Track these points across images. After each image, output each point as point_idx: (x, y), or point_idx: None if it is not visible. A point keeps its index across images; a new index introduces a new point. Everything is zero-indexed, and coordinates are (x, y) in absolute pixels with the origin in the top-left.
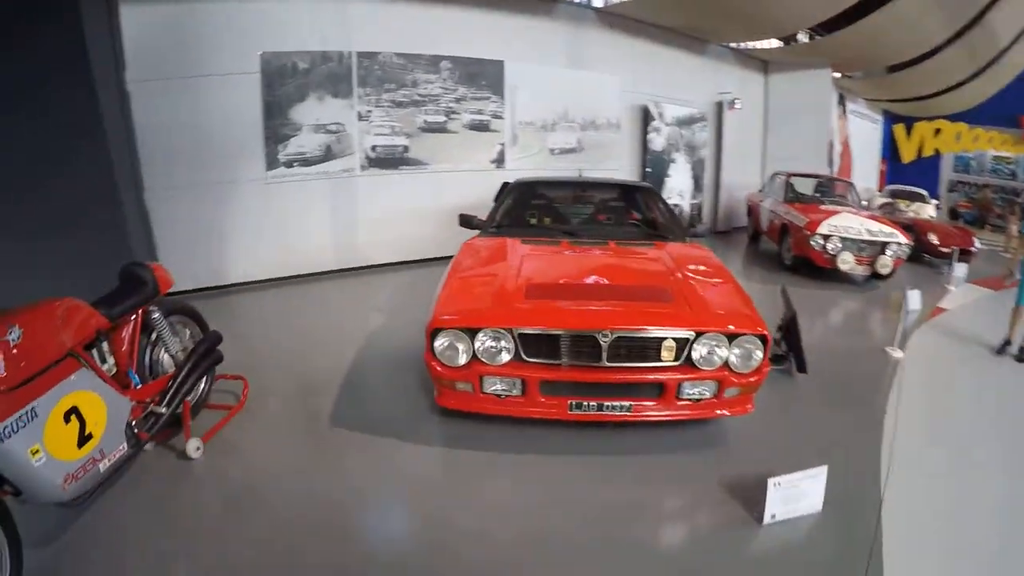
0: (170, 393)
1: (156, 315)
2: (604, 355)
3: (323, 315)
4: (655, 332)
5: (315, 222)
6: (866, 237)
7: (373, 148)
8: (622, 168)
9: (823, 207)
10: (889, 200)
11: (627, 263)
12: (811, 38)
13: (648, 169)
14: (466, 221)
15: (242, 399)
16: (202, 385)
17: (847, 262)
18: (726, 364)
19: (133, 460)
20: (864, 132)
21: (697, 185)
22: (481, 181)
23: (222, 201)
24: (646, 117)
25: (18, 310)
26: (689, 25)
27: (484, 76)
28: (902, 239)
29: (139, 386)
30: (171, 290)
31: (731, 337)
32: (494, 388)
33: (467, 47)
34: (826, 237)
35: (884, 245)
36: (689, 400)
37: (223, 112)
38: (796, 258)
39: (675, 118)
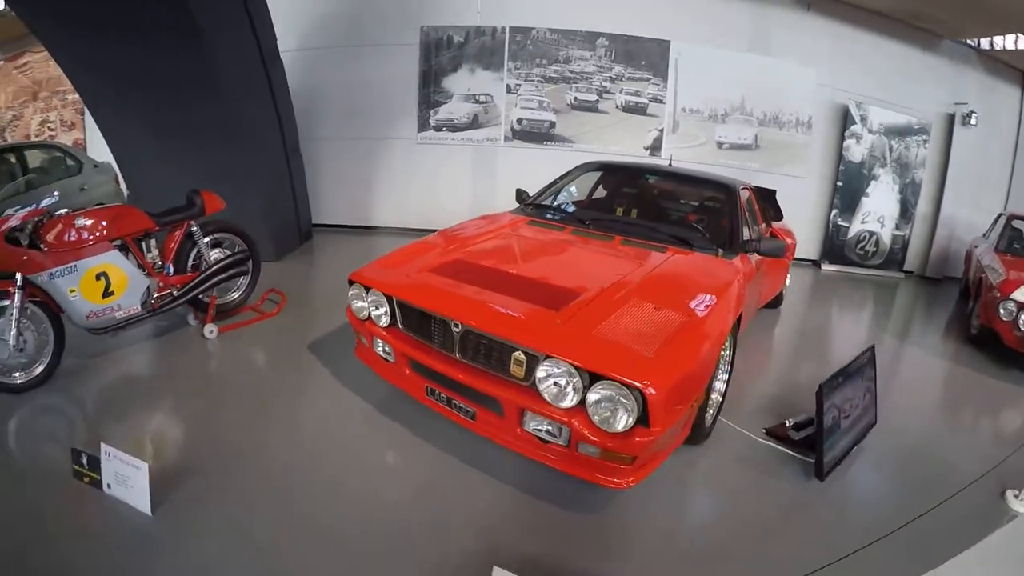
0: (189, 286)
1: (195, 229)
2: (456, 347)
3: None
4: (503, 338)
5: (456, 183)
6: None
7: (519, 121)
8: (810, 176)
9: None
10: None
11: (585, 262)
12: None
13: (839, 183)
14: (519, 196)
15: (275, 311)
16: (236, 293)
17: None
18: (583, 409)
19: (148, 320)
20: None
21: (905, 213)
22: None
23: (374, 155)
24: (845, 120)
25: (95, 209)
26: (906, 10)
27: (644, 55)
28: None
29: (170, 275)
30: (318, 222)
31: (595, 377)
32: (379, 349)
33: (628, 24)
34: (1021, 306)
35: None
36: (535, 436)
37: (383, 78)
38: (983, 327)
39: (883, 125)
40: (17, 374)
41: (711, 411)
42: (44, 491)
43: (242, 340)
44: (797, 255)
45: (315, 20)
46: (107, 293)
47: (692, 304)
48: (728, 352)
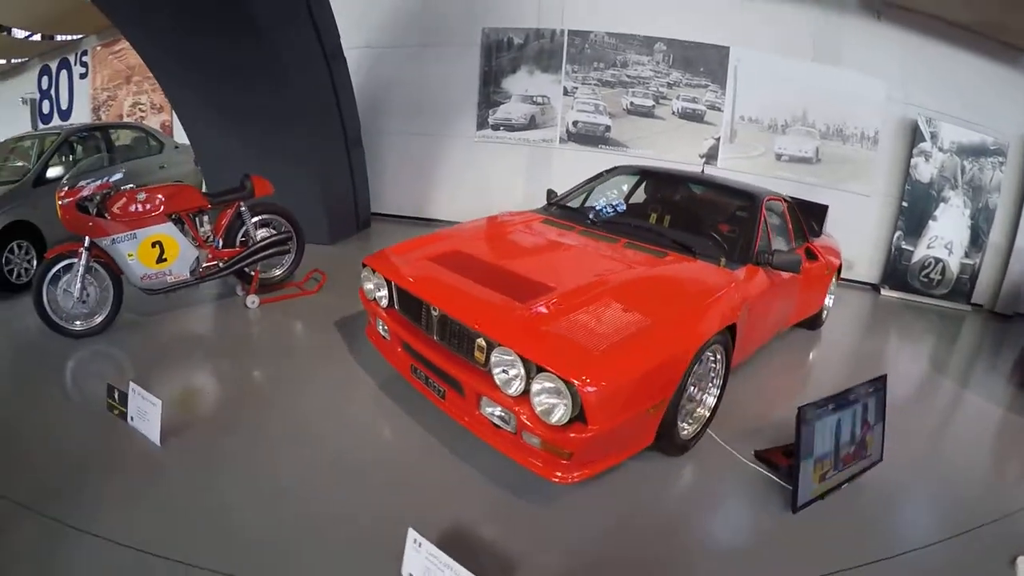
0: (234, 259)
1: (243, 209)
2: (434, 330)
3: None
4: (465, 324)
5: (510, 181)
6: None
7: (575, 123)
8: (873, 194)
9: None
10: None
11: (576, 260)
12: None
13: (905, 203)
14: (549, 196)
15: (315, 289)
16: (278, 270)
17: None
18: (528, 398)
19: (197, 286)
20: None
21: (976, 240)
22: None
23: (434, 150)
24: (914, 136)
25: (156, 186)
26: (989, 22)
27: (703, 61)
28: None
29: (219, 248)
30: (379, 211)
31: (541, 368)
32: (380, 329)
33: (688, 29)
34: None
35: None
36: (490, 421)
37: (446, 77)
38: None
39: (955, 144)
40: (78, 323)
41: (692, 423)
42: (81, 419)
43: (279, 312)
44: (855, 277)
45: (385, 20)
46: (160, 259)
47: (666, 310)
48: (719, 365)
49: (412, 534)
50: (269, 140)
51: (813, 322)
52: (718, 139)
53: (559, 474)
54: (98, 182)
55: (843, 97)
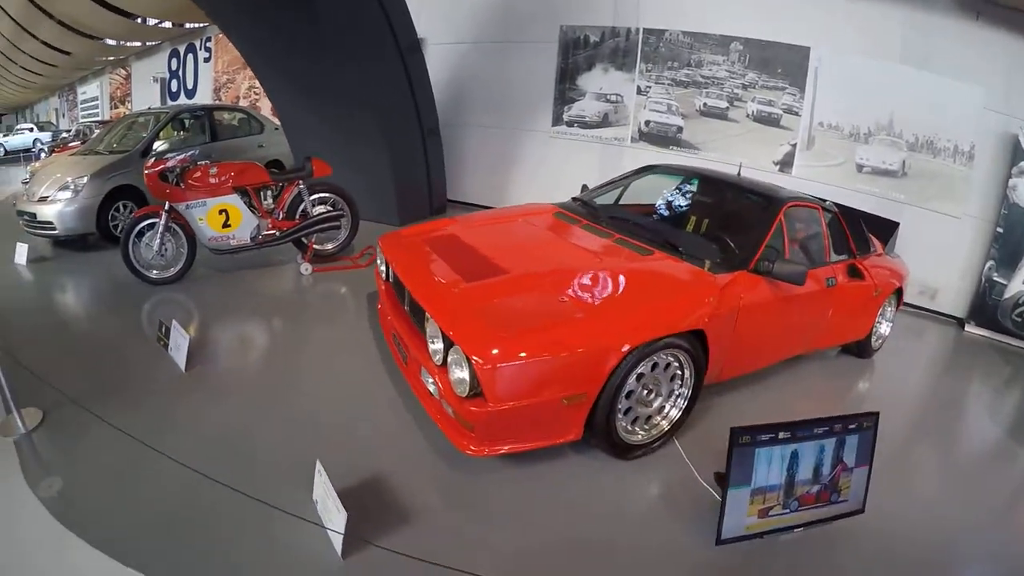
0: (289, 230)
1: (302, 186)
2: (406, 301)
3: None
4: (414, 296)
5: (580, 178)
6: None
7: (647, 123)
8: (965, 216)
9: None
10: None
11: (551, 250)
12: None
13: (1000, 229)
14: (583, 190)
15: (366, 264)
16: (330, 244)
17: None
18: (446, 369)
19: (257, 251)
20: None
21: None
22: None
23: (510, 143)
24: (1014, 153)
25: (227, 163)
26: None
27: (781, 62)
28: None
29: (278, 219)
30: (455, 199)
31: (451, 341)
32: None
33: (766, 28)
34: None
35: None
36: (427, 388)
37: (524, 73)
38: None
39: None
40: (154, 272)
41: (648, 429)
42: (137, 344)
43: (328, 281)
44: (938, 308)
45: (470, 16)
46: (225, 225)
47: (606, 304)
48: (687, 374)
49: (318, 465)
50: (346, 125)
51: (861, 349)
52: (794, 145)
53: (471, 447)
54: (179, 156)
55: (935, 105)
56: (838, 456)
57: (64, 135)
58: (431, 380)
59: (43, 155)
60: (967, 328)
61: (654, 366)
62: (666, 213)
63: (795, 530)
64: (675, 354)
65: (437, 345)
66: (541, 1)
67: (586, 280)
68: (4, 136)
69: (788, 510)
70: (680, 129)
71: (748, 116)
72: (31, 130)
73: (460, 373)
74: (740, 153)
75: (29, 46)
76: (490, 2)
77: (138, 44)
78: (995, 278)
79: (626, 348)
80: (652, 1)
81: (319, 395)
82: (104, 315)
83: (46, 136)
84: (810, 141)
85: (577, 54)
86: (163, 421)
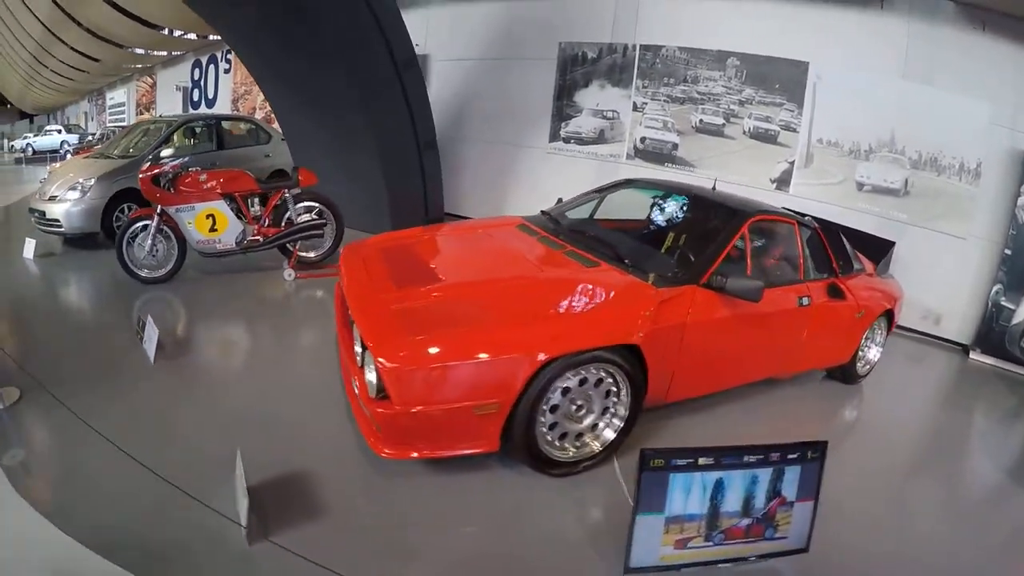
0: (273, 237)
1: (287, 196)
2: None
3: None
4: (348, 303)
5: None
6: None
7: (642, 140)
8: (971, 237)
9: None
10: None
11: (493, 260)
12: None
13: (1008, 251)
14: (557, 203)
15: None
16: (314, 253)
17: None
18: (364, 370)
19: (240, 254)
20: None
21: None
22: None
23: (508, 159)
24: (1023, 171)
25: (217, 171)
26: None
27: (779, 78)
28: None
29: (264, 226)
30: (453, 211)
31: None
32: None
33: (764, 43)
34: None
35: None
36: (354, 388)
37: (524, 89)
38: None
39: None
40: (144, 271)
41: (579, 446)
42: (118, 336)
43: (309, 287)
44: (941, 333)
45: (472, 33)
46: (212, 229)
47: (527, 314)
48: (624, 393)
49: (238, 455)
50: (343, 137)
51: (845, 374)
52: (792, 163)
53: (385, 450)
54: (173, 163)
55: (939, 121)
56: (775, 488)
57: (90, 138)
58: (353, 380)
59: (68, 156)
60: (972, 355)
61: (583, 381)
62: (631, 227)
63: (719, 565)
64: (607, 369)
65: (359, 347)
66: (541, 19)
67: (514, 290)
68: (35, 137)
69: (711, 543)
70: (675, 146)
71: (745, 133)
72: (59, 132)
73: (370, 374)
74: (736, 170)
75: (60, 51)
76: (492, 20)
77: (164, 54)
78: (1003, 303)
79: (541, 359)
80: (650, 17)
81: (271, 393)
82: (94, 309)
83: (73, 138)
84: (808, 158)
85: (575, 71)
86: (115, 407)
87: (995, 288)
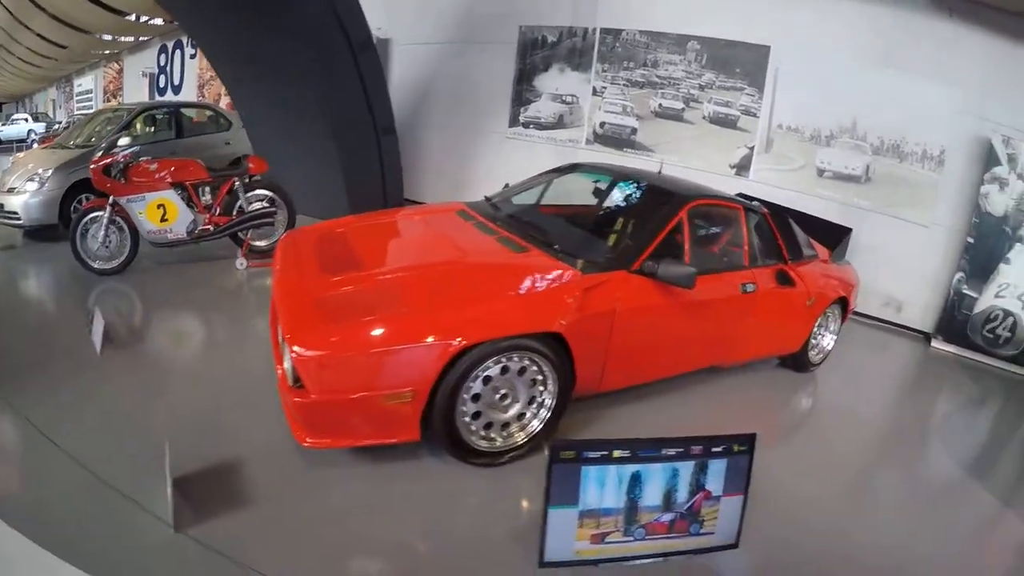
0: (223, 226)
1: (237, 184)
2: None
3: None
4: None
5: None
6: None
7: (601, 125)
8: (934, 225)
9: None
10: None
11: (416, 247)
12: None
13: (971, 239)
14: (504, 187)
15: None
16: (265, 241)
17: None
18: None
19: (192, 244)
20: None
21: None
22: (713, 185)
23: (469, 144)
24: (987, 158)
25: (167, 160)
26: None
27: (739, 62)
28: None
29: (215, 215)
30: (413, 198)
31: None
32: None
33: (725, 27)
34: None
35: None
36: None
37: (486, 74)
38: None
39: None
40: (97, 263)
41: (505, 437)
42: (67, 327)
43: (260, 276)
44: (903, 322)
45: (437, 17)
46: (163, 219)
47: (445, 303)
48: (551, 383)
49: (166, 446)
50: (299, 122)
51: (797, 362)
52: (752, 148)
53: (308, 439)
54: (122, 153)
55: (902, 108)
56: (698, 482)
57: (56, 126)
58: (278, 370)
59: (35, 146)
60: (933, 343)
61: (505, 369)
62: (572, 213)
63: (637, 561)
64: (531, 358)
65: (281, 335)
66: (502, 1)
67: (436, 277)
68: (2, 126)
69: (632, 538)
70: (635, 131)
71: (704, 117)
72: (26, 120)
73: (287, 363)
74: (694, 156)
75: (25, 38)
76: (453, 3)
77: (131, 39)
78: (964, 291)
79: (455, 347)
80: (611, 0)
81: (213, 383)
82: (48, 302)
83: (41, 127)
84: (768, 143)
85: (535, 54)
86: (53, 397)
87: (957, 276)
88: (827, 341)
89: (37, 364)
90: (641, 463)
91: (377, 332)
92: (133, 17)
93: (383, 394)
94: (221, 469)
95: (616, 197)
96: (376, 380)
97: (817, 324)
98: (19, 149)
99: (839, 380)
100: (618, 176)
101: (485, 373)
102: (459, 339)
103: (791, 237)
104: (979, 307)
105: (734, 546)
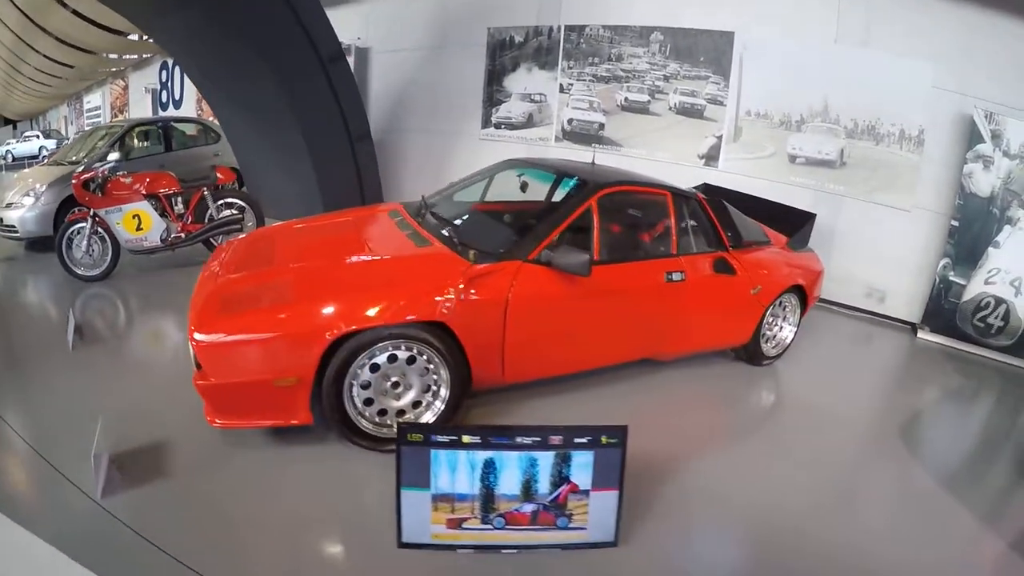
0: (194, 233)
1: (206, 193)
2: None
3: None
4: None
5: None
6: None
7: (569, 121)
8: (915, 209)
9: None
10: None
11: (328, 244)
12: None
13: (955, 222)
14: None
15: None
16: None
17: None
18: None
19: (167, 251)
20: None
21: None
22: (681, 177)
23: (444, 148)
24: (970, 136)
25: (141, 173)
26: None
27: (703, 50)
28: None
29: (187, 223)
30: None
31: None
32: None
33: (687, 14)
34: None
35: None
36: None
37: (457, 77)
38: None
39: None
40: (82, 270)
41: (395, 424)
42: (46, 325)
43: None
44: (888, 312)
45: (408, 25)
46: (138, 228)
47: (327, 293)
48: (444, 372)
49: (99, 422)
50: (275, 133)
51: (749, 355)
52: (720, 137)
53: (217, 420)
54: (102, 168)
55: (876, 87)
56: (560, 473)
57: (66, 142)
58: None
59: (45, 162)
60: (920, 334)
61: (392, 358)
62: (496, 208)
63: (503, 551)
64: (418, 347)
65: None
66: (472, 4)
67: (332, 270)
68: (15, 143)
69: (491, 526)
70: (602, 126)
71: (671, 109)
72: (38, 137)
73: (191, 349)
74: (662, 147)
75: (34, 59)
76: (426, 9)
77: (134, 57)
78: (951, 278)
79: (330, 336)
80: None
81: (161, 374)
82: (38, 305)
83: (52, 143)
84: (737, 132)
85: (504, 56)
86: (14, 384)
87: (943, 262)
88: (785, 333)
89: (13, 357)
90: (493, 450)
91: (263, 322)
92: (135, 37)
93: (271, 378)
94: (150, 448)
95: (539, 191)
96: (262, 365)
97: (771, 314)
98: (31, 166)
99: (806, 373)
100: (546, 170)
101: (372, 360)
102: (334, 328)
103: (730, 223)
104: (968, 295)
105: (612, 544)
